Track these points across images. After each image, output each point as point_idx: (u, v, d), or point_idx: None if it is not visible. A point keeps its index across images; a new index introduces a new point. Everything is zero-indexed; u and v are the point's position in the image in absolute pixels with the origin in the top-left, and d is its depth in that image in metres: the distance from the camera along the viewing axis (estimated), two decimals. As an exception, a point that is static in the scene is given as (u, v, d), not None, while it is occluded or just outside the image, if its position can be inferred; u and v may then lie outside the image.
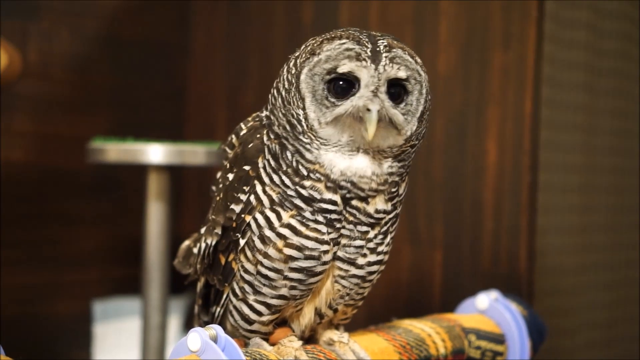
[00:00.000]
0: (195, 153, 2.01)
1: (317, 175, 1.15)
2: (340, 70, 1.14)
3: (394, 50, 1.15)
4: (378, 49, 1.15)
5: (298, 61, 1.17)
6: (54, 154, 2.41)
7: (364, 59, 1.14)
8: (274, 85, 1.21)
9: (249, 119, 1.26)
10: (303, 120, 1.15)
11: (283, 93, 1.18)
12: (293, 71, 1.17)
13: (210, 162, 2.02)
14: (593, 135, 2.02)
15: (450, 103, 1.96)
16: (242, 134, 1.23)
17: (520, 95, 1.85)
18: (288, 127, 1.16)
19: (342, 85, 1.15)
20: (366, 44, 1.15)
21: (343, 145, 1.16)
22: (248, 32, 2.50)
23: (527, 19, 1.84)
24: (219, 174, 1.29)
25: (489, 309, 1.53)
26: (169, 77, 2.68)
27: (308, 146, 1.15)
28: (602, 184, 2.07)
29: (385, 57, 1.14)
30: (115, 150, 2.00)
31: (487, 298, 1.54)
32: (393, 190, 1.20)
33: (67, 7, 2.42)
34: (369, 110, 1.14)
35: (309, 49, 1.17)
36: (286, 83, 1.18)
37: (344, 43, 1.15)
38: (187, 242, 1.41)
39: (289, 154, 1.16)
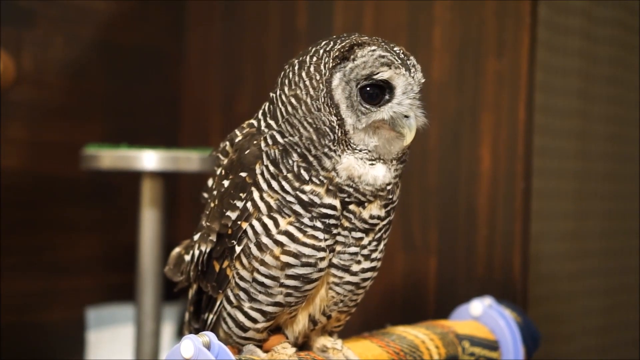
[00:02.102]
0: (190, 160, 2.01)
1: (320, 179, 1.15)
2: (379, 77, 1.14)
3: (412, 57, 1.18)
4: (402, 56, 1.16)
5: (323, 67, 1.14)
6: (49, 160, 2.40)
7: (398, 67, 1.15)
8: (285, 94, 1.16)
9: (244, 125, 1.24)
10: (337, 127, 1.14)
11: (308, 101, 1.14)
12: (318, 77, 1.14)
13: (205, 168, 2.02)
14: (587, 141, 2.03)
15: (444, 109, 1.96)
16: (237, 140, 1.22)
17: (514, 102, 1.85)
18: (315, 136, 1.13)
19: (375, 92, 1.15)
20: (392, 52, 1.15)
21: (367, 151, 1.16)
22: (243, 39, 2.50)
23: (521, 26, 1.84)
24: (210, 181, 1.29)
25: (482, 316, 1.53)
26: (164, 84, 2.67)
27: (332, 153, 1.14)
28: (596, 190, 2.07)
29: (412, 64, 1.17)
30: (109, 157, 1.99)
31: (480, 304, 1.54)
32: (389, 197, 1.20)
33: (61, 14, 2.42)
34: (406, 117, 1.15)
35: (336, 53, 1.14)
36: (311, 90, 1.14)
37: (375, 50, 1.14)
38: (177, 250, 1.39)
39: (290, 160, 1.15)
